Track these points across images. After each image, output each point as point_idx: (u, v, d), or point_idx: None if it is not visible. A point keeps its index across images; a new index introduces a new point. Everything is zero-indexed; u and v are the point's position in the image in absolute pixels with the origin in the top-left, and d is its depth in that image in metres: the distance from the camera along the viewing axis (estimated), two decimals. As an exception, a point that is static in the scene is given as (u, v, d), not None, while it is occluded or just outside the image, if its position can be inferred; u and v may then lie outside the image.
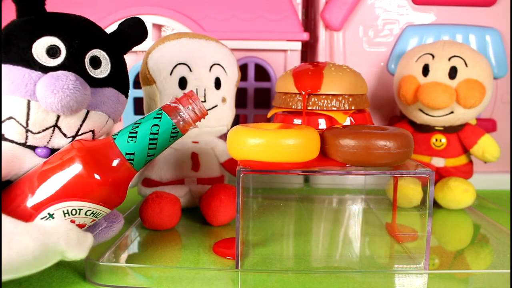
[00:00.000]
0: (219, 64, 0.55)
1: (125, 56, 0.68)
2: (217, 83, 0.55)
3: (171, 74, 0.53)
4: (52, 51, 0.36)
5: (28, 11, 0.37)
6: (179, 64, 0.53)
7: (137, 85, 0.68)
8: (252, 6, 0.69)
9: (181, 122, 0.37)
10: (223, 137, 0.58)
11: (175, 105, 0.37)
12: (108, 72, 0.39)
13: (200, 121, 0.38)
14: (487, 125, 0.70)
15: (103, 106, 0.39)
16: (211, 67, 0.54)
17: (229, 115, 0.57)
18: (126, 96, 0.43)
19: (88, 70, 0.38)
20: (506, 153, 0.70)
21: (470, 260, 0.45)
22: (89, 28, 0.39)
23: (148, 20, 0.67)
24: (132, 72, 0.68)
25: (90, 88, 0.37)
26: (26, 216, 0.35)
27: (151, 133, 0.36)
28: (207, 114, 0.38)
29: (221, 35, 0.65)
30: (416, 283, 0.38)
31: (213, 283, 0.38)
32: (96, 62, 0.39)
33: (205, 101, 0.54)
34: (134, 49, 0.67)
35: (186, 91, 0.53)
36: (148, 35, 0.67)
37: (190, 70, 0.53)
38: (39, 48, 0.36)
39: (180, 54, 0.53)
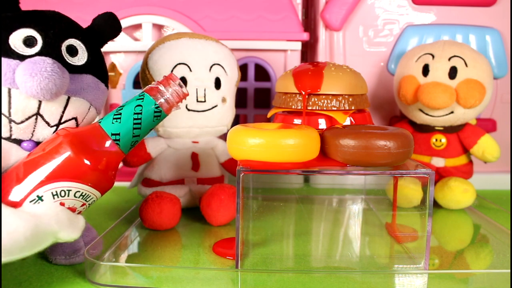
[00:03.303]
0: (219, 64, 0.55)
1: (124, 56, 0.69)
2: (217, 83, 0.55)
3: (171, 74, 0.53)
4: (29, 42, 0.38)
5: (3, 8, 0.39)
6: (179, 64, 0.53)
7: (137, 85, 0.68)
8: (252, 6, 0.69)
9: (163, 101, 0.38)
10: (223, 137, 0.58)
11: (156, 86, 0.38)
12: (85, 60, 0.40)
13: (181, 102, 0.40)
14: (487, 125, 0.70)
15: (83, 93, 0.40)
16: (211, 67, 0.54)
17: (229, 115, 0.57)
18: (106, 86, 0.44)
19: (65, 58, 0.39)
20: (506, 153, 0.70)
21: (470, 260, 0.45)
22: (64, 20, 0.41)
23: (148, 20, 0.67)
24: (132, 72, 0.68)
25: (69, 74, 0.38)
26: (15, 205, 0.35)
27: (134, 113, 0.37)
28: (188, 95, 0.40)
29: (221, 35, 0.65)
30: (416, 283, 0.38)
31: (213, 283, 0.38)
32: (72, 51, 0.40)
33: (205, 101, 0.54)
34: (134, 49, 0.68)
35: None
36: (148, 35, 0.67)
37: (190, 70, 0.53)
38: (16, 39, 0.37)
39: (180, 54, 0.53)
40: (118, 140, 0.37)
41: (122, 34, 0.67)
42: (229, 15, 0.68)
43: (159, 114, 0.38)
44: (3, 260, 0.32)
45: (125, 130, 0.37)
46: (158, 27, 0.70)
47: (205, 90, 0.54)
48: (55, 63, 0.36)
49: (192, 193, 0.55)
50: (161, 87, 0.38)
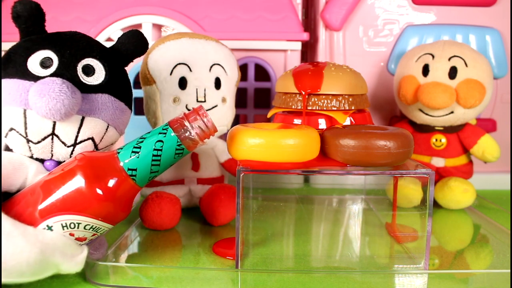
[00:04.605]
0: (219, 64, 0.55)
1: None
2: (217, 83, 0.55)
3: (171, 74, 0.53)
4: (45, 63, 0.38)
5: (29, 32, 0.39)
6: (179, 64, 0.53)
7: (137, 85, 0.68)
8: (252, 6, 0.69)
9: (187, 139, 0.35)
10: (223, 137, 0.58)
11: (181, 120, 0.35)
12: (102, 79, 0.40)
13: (209, 138, 0.36)
14: (487, 125, 0.70)
15: (98, 112, 0.40)
16: (211, 67, 0.54)
17: (229, 115, 0.57)
18: (129, 107, 0.43)
19: (80, 77, 0.39)
20: (506, 153, 0.70)
21: (470, 260, 0.45)
22: (82, 40, 0.41)
23: (148, 20, 0.67)
24: (132, 72, 0.68)
25: (83, 94, 0.38)
26: (28, 223, 0.35)
27: (154, 149, 0.35)
28: (216, 131, 0.37)
29: (221, 35, 0.65)
30: (416, 283, 0.38)
31: (213, 283, 0.38)
32: (89, 70, 0.40)
33: (205, 101, 0.54)
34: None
35: (186, 91, 0.53)
36: (148, 35, 0.67)
37: (190, 70, 0.53)
38: (34, 61, 0.38)
39: (180, 54, 0.53)
40: (135, 175, 0.35)
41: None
42: (229, 15, 0.68)
43: (181, 152, 0.36)
44: (3, 280, 0.31)
45: (142, 166, 0.35)
46: (158, 27, 0.70)
47: (205, 90, 0.54)
48: (64, 83, 0.36)
49: (192, 193, 0.55)
50: (187, 123, 0.35)
